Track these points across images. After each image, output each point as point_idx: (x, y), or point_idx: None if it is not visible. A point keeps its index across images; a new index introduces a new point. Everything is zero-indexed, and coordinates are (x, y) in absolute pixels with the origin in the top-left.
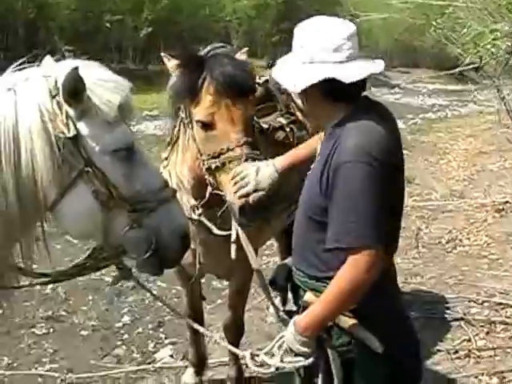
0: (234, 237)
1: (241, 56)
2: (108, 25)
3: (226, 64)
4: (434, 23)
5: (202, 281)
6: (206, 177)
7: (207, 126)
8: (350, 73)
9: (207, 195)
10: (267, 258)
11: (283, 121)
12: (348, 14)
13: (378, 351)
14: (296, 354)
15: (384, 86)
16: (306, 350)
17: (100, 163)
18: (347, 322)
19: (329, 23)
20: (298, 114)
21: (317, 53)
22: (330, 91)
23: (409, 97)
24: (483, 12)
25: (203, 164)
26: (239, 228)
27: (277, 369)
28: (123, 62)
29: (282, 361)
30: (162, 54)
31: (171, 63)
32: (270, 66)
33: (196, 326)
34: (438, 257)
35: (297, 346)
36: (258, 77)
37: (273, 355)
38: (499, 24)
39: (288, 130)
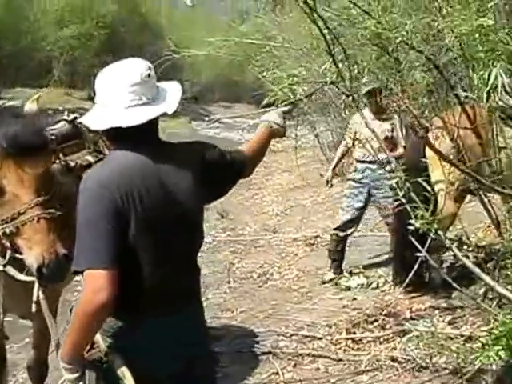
0: (35, 296)
1: (30, 106)
2: None
3: (8, 124)
4: (253, 61)
5: (9, 319)
6: (4, 241)
7: None
8: (129, 119)
9: (7, 258)
10: (79, 295)
11: (91, 159)
12: (169, 48)
13: None
14: None
15: (204, 120)
16: (73, 376)
17: None
18: (102, 348)
19: (121, 71)
20: (107, 151)
21: (107, 98)
22: (107, 131)
23: (228, 131)
24: (299, 52)
25: None
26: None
27: None
28: None
29: None
30: None
31: None
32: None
33: None
34: (249, 291)
35: (66, 375)
36: (66, 114)
37: None
38: (298, 69)
39: None
